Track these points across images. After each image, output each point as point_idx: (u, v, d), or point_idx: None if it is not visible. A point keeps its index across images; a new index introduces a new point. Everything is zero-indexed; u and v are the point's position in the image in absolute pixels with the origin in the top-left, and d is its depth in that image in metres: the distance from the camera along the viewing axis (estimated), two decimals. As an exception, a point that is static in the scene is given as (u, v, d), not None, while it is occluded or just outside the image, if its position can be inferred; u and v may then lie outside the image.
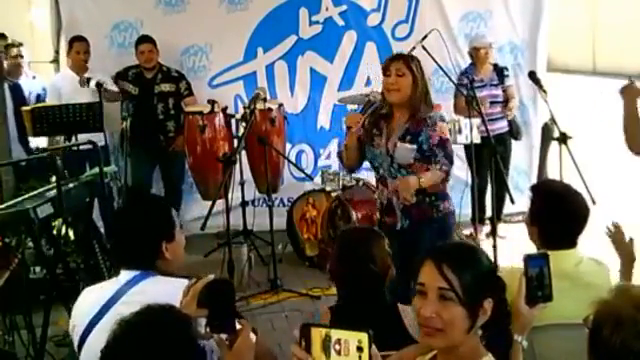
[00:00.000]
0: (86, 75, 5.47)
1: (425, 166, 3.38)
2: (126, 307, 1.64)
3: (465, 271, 1.68)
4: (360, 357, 1.41)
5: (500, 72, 5.73)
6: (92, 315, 2.14)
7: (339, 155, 3.66)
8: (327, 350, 1.43)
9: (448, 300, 1.67)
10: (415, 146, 3.37)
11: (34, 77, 6.57)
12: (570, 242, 2.43)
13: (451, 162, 3.42)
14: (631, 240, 2.70)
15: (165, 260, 2.22)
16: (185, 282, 2.01)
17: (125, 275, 2.20)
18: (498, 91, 5.66)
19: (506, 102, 5.70)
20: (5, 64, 5.94)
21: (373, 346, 1.40)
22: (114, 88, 5.50)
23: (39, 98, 6.00)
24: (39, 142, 5.69)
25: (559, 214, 2.40)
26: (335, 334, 1.43)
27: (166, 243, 2.21)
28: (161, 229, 2.22)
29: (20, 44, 6.40)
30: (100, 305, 2.14)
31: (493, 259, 3.82)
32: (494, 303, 1.71)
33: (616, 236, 2.70)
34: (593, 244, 2.74)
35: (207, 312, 1.76)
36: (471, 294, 1.67)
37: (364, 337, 1.41)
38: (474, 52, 5.67)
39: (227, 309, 1.77)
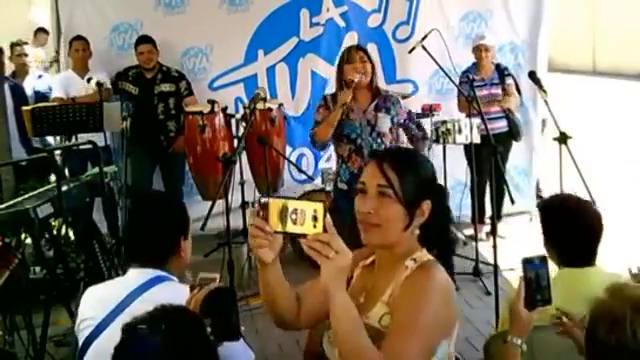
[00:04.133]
0: (87, 75, 5.50)
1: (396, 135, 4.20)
2: (141, 310, 1.63)
3: (405, 171, 1.75)
4: (315, 226, 1.45)
5: (501, 72, 5.74)
6: (106, 314, 2.13)
7: (311, 136, 4.15)
8: (284, 219, 1.48)
9: (386, 197, 1.73)
10: (390, 116, 4.09)
11: (40, 76, 6.56)
12: (591, 258, 2.39)
13: (424, 129, 4.36)
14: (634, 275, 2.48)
15: (180, 258, 2.25)
16: None
17: (137, 274, 2.20)
18: (498, 90, 5.67)
19: None
20: (7, 63, 5.95)
21: (328, 216, 1.45)
22: (109, 87, 5.53)
23: (46, 97, 5.98)
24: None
25: (576, 230, 2.36)
26: (292, 205, 1.48)
27: (184, 240, 2.25)
28: (182, 225, 2.27)
29: (25, 42, 6.38)
30: (114, 305, 2.13)
31: (493, 259, 3.86)
32: (433, 206, 1.78)
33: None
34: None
35: (210, 321, 1.75)
36: (409, 193, 1.74)
37: (319, 206, 1.46)
38: (476, 52, 5.70)
39: (230, 317, 1.77)
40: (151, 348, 1.51)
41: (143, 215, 2.32)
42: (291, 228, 1.48)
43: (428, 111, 5.44)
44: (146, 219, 2.27)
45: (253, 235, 1.55)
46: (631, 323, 1.52)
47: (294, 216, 1.47)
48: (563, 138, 4.31)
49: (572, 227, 2.37)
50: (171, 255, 2.23)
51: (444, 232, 1.86)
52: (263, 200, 1.52)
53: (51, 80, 6.20)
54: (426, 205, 1.77)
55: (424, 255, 1.79)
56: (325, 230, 1.45)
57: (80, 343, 2.18)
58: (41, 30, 6.62)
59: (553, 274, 1.91)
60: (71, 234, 4.35)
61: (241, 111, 5.59)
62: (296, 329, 1.94)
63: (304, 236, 1.48)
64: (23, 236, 3.49)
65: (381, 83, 6.04)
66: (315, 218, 1.45)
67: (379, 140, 4.05)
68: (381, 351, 1.60)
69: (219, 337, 1.73)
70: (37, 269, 4.22)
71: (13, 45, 6.28)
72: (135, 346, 1.53)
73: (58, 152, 5.49)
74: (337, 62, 4.22)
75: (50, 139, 5.77)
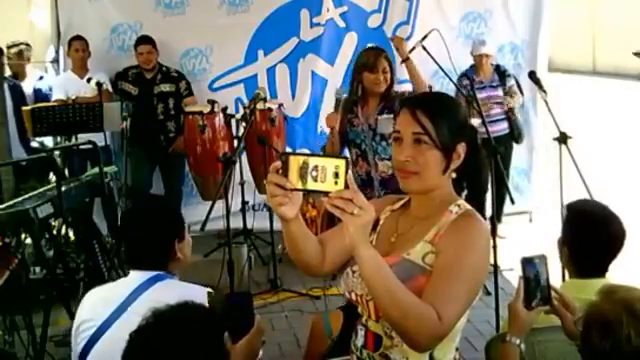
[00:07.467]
0: (87, 76, 5.50)
1: None
2: (144, 308, 1.65)
3: (438, 116, 1.75)
4: (336, 182, 1.41)
5: (502, 73, 5.74)
6: (107, 315, 2.14)
7: (322, 150, 4.19)
8: (304, 176, 1.43)
9: (423, 144, 1.74)
10: (392, 115, 3.84)
11: (41, 77, 6.55)
12: (603, 271, 2.34)
13: None
14: None
15: (177, 260, 2.26)
16: (200, 289, 2.07)
17: (137, 275, 2.21)
18: (497, 92, 5.67)
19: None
20: (6, 64, 5.94)
21: (350, 172, 1.41)
22: (109, 89, 5.54)
23: (47, 98, 5.97)
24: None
25: (595, 241, 2.30)
26: (313, 161, 1.42)
27: (178, 243, 2.25)
28: (174, 229, 2.27)
29: (25, 43, 6.37)
30: (116, 305, 2.14)
31: (493, 259, 3.85)
32: (467, 148, 1.79)
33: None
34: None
35: (228, 325, 1.75)
36: (445, 138, 1.74)
37: (341, 162, 1.41)
38: (477, 58, 5.71)
39: (248, 321, 1.76)
40: (167, 340, 1.51)
41: (133, 221, 2.34)
42: (312, 185, 1.42)
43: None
44: (136, 225, 2.29)
45: (272, 193, 1.49)
46: (626, 326, 1.53)
47: (315, 173, 1.41)
48: (563, 138, 4.31)
49: (594, 238, 2.31)
50: (167, 258, 2.24)
51: (478, 172, 1.88)
52: (283, 154, 1.46)
53: (52, 81, 6.20)
54: (461, 147, 1.78)
55: (466, 204, 1.82)
56: (347, 186, 1.41)
57: (81, 345, 2.18)
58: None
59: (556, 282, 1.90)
60: (71, 234, 4.36)
61: (241, 111, 5.58)
62: (322, 275, 1.93)
63: (325, 194, 1.42)
64: (23, 236, 3.50)
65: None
66: (336, 175, 1.40)
67: (383, 143, 3.93)
68: (426, 292, 1.62)
69: (237, 340, 1.73)
70: (37, 269, 4.23)
71: (13, 46, 6.28)
72: (152, 339, 1.52)
73: (58, 152, 5.49)
74: (357, 62, 4.05)
75: (49, 139, 5.75)
